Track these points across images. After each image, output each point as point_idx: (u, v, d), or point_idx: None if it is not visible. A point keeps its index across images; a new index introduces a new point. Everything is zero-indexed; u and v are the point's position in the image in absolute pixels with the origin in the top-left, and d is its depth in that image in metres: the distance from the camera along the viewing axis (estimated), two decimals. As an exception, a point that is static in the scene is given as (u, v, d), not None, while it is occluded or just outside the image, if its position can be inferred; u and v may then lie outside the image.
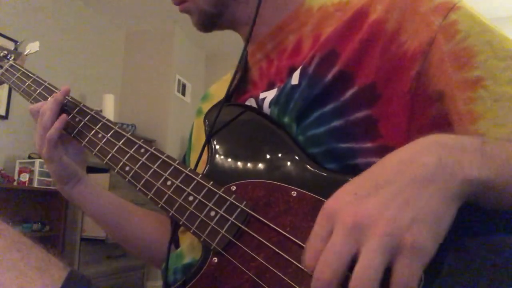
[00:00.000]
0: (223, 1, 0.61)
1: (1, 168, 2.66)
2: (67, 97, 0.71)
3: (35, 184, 2.71)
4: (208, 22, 0.64)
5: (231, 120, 0.56)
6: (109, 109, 3.24)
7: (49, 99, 0.70)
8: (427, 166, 0.33)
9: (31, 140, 2.98)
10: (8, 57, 0.86)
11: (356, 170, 0.46)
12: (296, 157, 0.49)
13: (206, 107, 0.63)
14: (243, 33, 0.65)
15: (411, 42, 0.47)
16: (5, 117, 2.81)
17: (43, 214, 2.90)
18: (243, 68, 0.66)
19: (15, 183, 2.66)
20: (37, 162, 2.72)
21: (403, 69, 0.47)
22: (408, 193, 0.32)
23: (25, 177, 2.67)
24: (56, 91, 0.73)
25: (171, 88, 3.93)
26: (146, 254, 0.76)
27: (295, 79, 0.53)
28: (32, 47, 0.87)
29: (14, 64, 0.83)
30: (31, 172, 2.71)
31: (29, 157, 2.82)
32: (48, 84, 0.75)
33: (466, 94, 0.44)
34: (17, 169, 2.72)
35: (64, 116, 0.68)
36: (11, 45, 2.92)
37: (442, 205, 0.32)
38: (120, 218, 0.73)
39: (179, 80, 4.04)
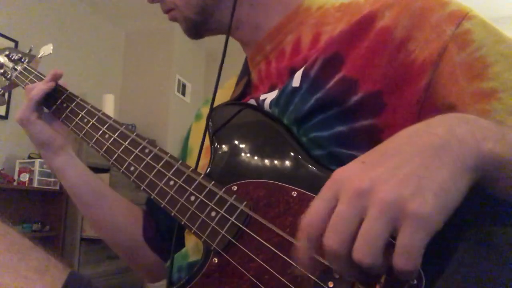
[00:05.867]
0: (206, 8, 0.61)
1: (1, 168, 2.66)
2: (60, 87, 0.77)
3: (35, 184, 2.70)
4: (195, 29, 0.65)
5: (230, 118, 0.56)
6: (109, 109, 3.24)
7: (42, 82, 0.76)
8: (437, 135, 0.32)
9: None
10: (22, 60, 0.87)
11: None
12: (299, 157, 0.49)
13: (206, 111, 0.63)
14: (237, 37, 0.65)
15: (421, 51, 0.46)
16: (5, 117, 2.81)
17: (43, 214, 2.90)
18: (247, 72, 0.66)
19: (15, 183, 2.66)
20: (37, 162, 2.72)
21: (411, 79, 0.46)
22: (416, 162, 0.31)
23: (25, 177, 2.67)
24: (66, 93, 0.76)
25: (171, 88, 3.93)
26: (113, 240, 0.77)
27: (296, 81, 0.53)
28: (45, 50, 0.88)
29: (27, 67, 0.85)
30: (31, 172, 2.70)
31: (29, 157, 2.82)
32: (59, 86, 0.77)
33: (479, 106, 0.42)
34: (17, 169, 2.72)
35: (52, 83, 0.74)
36: (11, 45, 2.92)
37: (452, 175, 0.30)
38: (93, 198, 0.75)
39: (179, 80, 4.03)
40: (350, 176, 0.32)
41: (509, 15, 3.28)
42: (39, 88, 0.73)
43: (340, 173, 0.34)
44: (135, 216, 0.76)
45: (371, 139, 0.46)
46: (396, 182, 0.30)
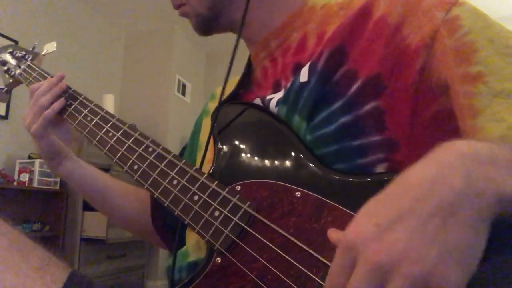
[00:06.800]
0: (218, 4, 0.62)
1: (1, 168, 2.66)
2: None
3: (35, 184, 2.70)
4: (205, 26, 0.65)
5: (235, 118, 0.56)
6: (109, 109, 3.21)
7: (47, 82, 0.76)
8: (454, 190, 0.31)
9: (31, 140, 2.97)
10: (26, 57, 0.87)
11: (364, 170, 0.46)
12: (302, 157, 0.49)
13: (213, 106, 0.63)
14: (244, 35, 0.65)
15: (414, 35, 0.47)
16: (5, 117, 2.80)
17: (43, 214, 2.90)
18: (247, 69, 0.66)
19: (15, 183, 2.66)
20: (37, 162, 2.72)
21: (407, 63, 0.47)
22: (434, 225, 0.30)
23: (25, 177, 2.67)
24: (70, 91, 0.77)
25: (171, 88, 3.93)
26: (125, 227, 0.87)
27: (303, 76, 0.53)
28: (49, 47, 0.88)
29: (31, 64, 0.85)
30: (31, 172, 2.70)
31: (29, 157, 2.81)
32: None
33: (466, 88, 0.44)
34: (17, 169, 2.72)
35: (63, 99, 0.75)
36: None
37: (473, 232, 0.30)
38: (101, 196, 0.81)
39: (179, 80, 4.03)
40: (365, 244, 0.31)
41: (509, 15, 3.28)
42: (53, 107, 0.74)
43: (354, 238, 0.32)
44: (144, 206, 0.80)
45: (375, 121, 0.47)
46: (416, 254, 0.29)
